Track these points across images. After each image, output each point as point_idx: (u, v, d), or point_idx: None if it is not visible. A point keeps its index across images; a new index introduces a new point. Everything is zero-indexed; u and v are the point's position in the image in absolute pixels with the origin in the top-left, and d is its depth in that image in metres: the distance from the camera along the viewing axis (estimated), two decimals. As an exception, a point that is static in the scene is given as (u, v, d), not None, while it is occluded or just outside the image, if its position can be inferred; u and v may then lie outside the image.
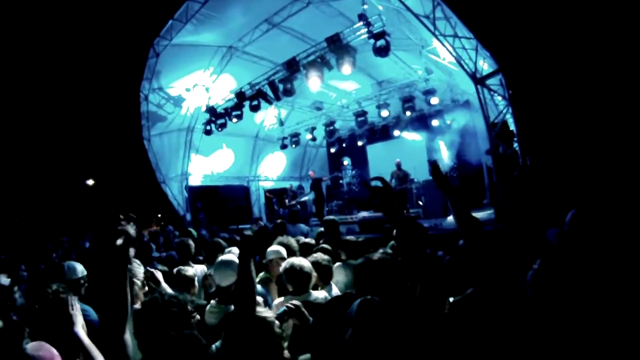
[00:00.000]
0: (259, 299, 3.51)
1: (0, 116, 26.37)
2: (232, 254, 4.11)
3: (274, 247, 4.75)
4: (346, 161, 21.06)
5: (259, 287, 4.07)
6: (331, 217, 7.40)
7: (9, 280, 4.48)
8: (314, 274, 3.75)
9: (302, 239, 5.77)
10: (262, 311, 2.46)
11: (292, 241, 5.07)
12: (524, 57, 9.25)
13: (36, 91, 27.75)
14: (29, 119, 27.80)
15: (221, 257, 3.95)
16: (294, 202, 17.35)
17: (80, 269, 4.09)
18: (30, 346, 2.30)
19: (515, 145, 9.36)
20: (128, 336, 2.00)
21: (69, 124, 28.59)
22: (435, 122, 16.08)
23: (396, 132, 17.61)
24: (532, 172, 8.93)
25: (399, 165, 14.68)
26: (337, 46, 11.31)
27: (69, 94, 28.33)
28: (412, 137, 17.45)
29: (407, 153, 16.48)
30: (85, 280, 4.07)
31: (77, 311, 2.79)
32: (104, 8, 25.37)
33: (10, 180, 26.73)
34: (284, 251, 4.68)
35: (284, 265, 3.76)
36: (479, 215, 10.24)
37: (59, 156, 28.39)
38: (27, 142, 27.85)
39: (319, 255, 4.18)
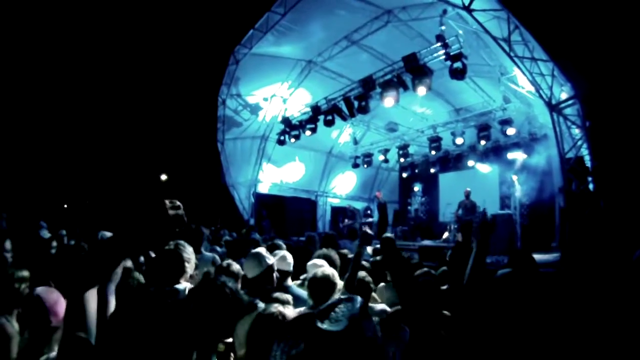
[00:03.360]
0: (288, 297, 3.47)
1: (91, 112, 28.42)
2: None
3: (313, 261, 4.66)
4: (417, 187, 20.71)
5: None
6: (389, 235, 7.17)
7: (49, 234, 4.82)
8: (339, 285, 3.62)
9: (350, 255, 5.59)
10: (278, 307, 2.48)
11: (333, 253, 4.95)
12: (606, 88, 8.68)
13: (123, 85, 29.52)
14: (116, 113, 29.63)
15: (253, 250, 3.96)
16: (350, 222, 17.23)
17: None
18: (40, 289, 2.48)
19: (590, 184, 8.80)
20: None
21: (151, 121, 30.17)
22: (510, 155, 15.43)
23: (470, 162, 17.09)
24: (604, 215, 8.34)
25: (467, 195, 14.19)
26: (413, 66, 11.20)
27: (152, 92, 29.90)
28: (486, 169, 16.89)
29: (479, 185, 15.89)
30: None
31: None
32: (190, 14, 26.69)
33: (93, 169, 28.63)
34: (323, 262, 4.59)
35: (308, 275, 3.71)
36: (544, 257, 9.68)
37: (139, 151, 30.00)
38: (112, 135, 29.70)
39: (361, 272, 4.03)
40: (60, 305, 2.43)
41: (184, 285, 3.23)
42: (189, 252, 3.50)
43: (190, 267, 3.45)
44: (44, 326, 2.32)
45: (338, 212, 20.30)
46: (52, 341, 2.32)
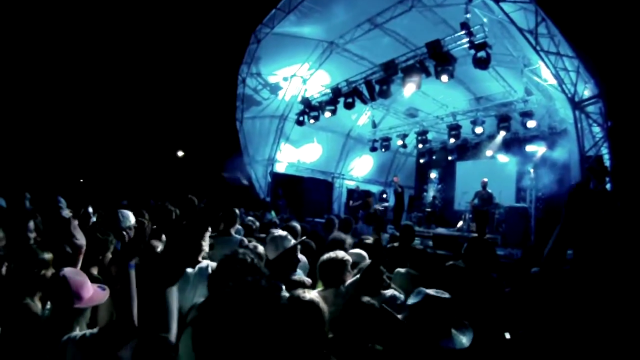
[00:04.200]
0: (307, 280, 3.68)
1: (110, 87, 28.74)
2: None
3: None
4: (433, 174, 20.63)
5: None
6: (409, 222, 7.27)
7: (70, 214, 4.87)
8: (349, 268, 3.69)
9: (369, 239, 5.62)
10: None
11: (347, 237, 5.00)
12: (630, 88, 8.50)
13: (143, 61, 29.73)
14: (136, 89, 29.90)
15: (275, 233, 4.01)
16: (357, 204, 17.19)
17: (132, 219, 4.41)
18: (67, 270, 2.49)
19: (608, 184, 8.67)
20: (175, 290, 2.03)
21: (170, 97, 30.39)
22: (529, 148, 15.32)
23: (488, 152, 16.97)
24: (620, 217, 8.20)
25: (484, 185, 14.01)
26: (437, 53, 11.09)
27: (173, 68, 30.06)
28: (504, 159, 16.74)
29: (496, 175, 15.72)
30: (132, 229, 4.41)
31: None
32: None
33: (110, 144, 29.05)
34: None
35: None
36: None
37: (158, 127, 30.29)
38: (131, 111, 30.02)
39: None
40: (86, 288, 2.46)
41: (206, 262, 3.30)
42: None
43: (205, 245, 3.56)
44: (68, 307, 2.36)
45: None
46: (75, 322, 2.38)
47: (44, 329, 2.39)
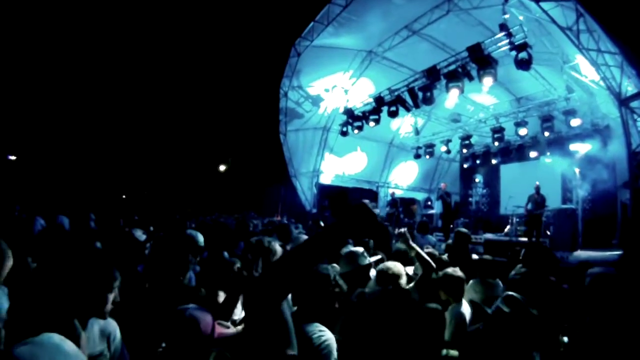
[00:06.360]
0: None
1: (155, 103, 29.63)
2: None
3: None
4: (478, 179, 20.36)
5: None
6: (464, 229, 6.98)
7: (144, 236, 4.98)
8: (403, 279, 3.71)
9: (430, 249, 5.53)
10: None
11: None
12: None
13: (187, 78, 30.54)
14: (181, 105, 30.74)
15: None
16: (392, 211, 17.00)
17: (202, 239, 4.48)
18: (194, 309, 2.21)
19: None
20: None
21: (214, 114, 31.05)
22: (573, 147, 14.85)
23: (532, 154, 16.51)
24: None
25: (537, 189, 13.63)
26: (478, 56, 11.01)
27: (216, 85, 30.71)
28: (549, 160, 16.38)
29: (541, 177, 15.04)
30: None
31: None
32: (252, 9, 27.28)
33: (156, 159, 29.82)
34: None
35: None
36: (603, 254, 9.32)
37: (203, 142, 30.95)
38: (175, 127, 30.82)
39: (451, 269, 3.97)
40: (215, 329, 2.21)
41: None
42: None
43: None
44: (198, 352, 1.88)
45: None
46: None
47: None
